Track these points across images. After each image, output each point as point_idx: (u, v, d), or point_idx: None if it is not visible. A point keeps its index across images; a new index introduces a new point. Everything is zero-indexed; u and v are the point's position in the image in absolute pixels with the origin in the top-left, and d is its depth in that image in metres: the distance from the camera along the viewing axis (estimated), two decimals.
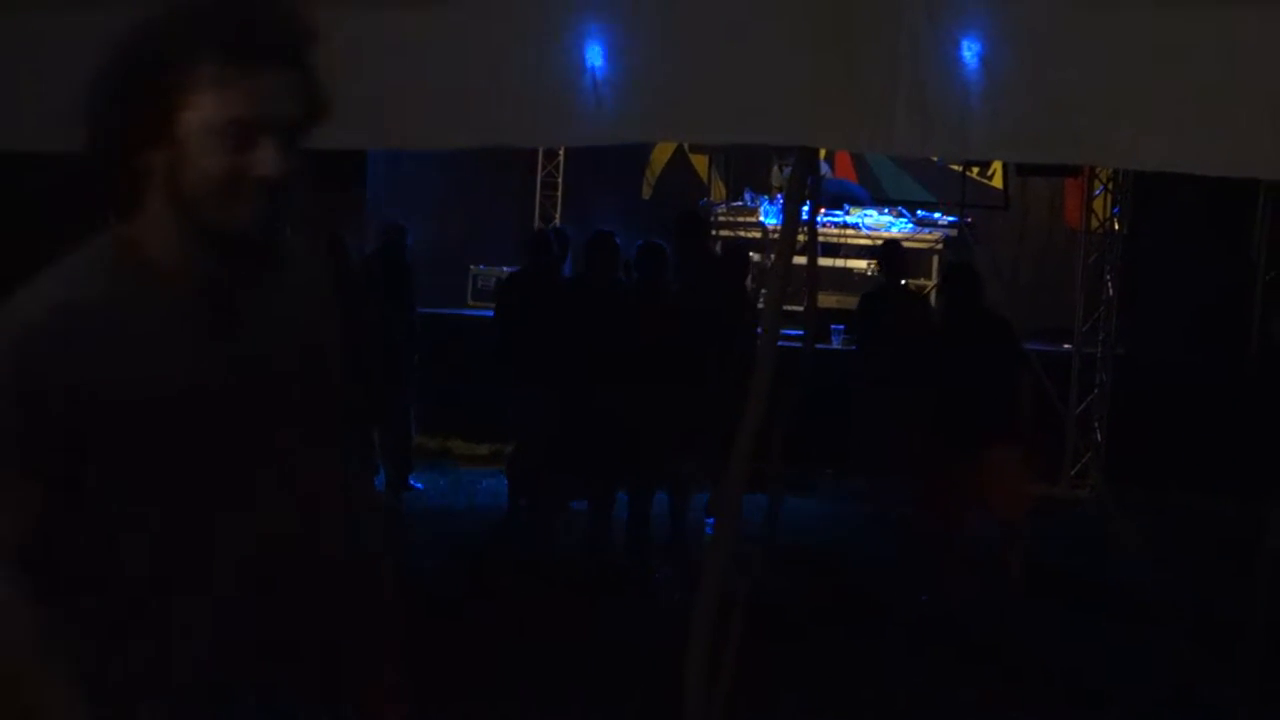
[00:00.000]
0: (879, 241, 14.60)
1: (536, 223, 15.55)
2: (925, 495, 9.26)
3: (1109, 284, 14.18)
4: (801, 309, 7.38)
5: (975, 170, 15.11)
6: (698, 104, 4.11)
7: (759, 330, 6.57)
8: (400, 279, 11.13)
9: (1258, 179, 13.33)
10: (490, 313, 13.49)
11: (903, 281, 11.58)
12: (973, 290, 9.07)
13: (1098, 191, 14.16)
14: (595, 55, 4.21)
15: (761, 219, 14.71)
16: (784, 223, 5.06)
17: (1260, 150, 3.58)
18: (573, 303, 9.62)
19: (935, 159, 15.30)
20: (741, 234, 14.83)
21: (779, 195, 14.48)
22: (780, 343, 5.26)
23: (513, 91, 4.21)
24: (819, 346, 12.30)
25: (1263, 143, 3.56)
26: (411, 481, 11.29)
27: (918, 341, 10.02)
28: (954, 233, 14.73)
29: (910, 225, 15.14)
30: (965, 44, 3.82)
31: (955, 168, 14.88)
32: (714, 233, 14.42)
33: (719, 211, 15.25)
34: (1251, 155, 3.60)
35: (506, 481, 10.48)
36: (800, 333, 7.34)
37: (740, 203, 15.34)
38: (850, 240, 15.00)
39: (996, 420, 8.79)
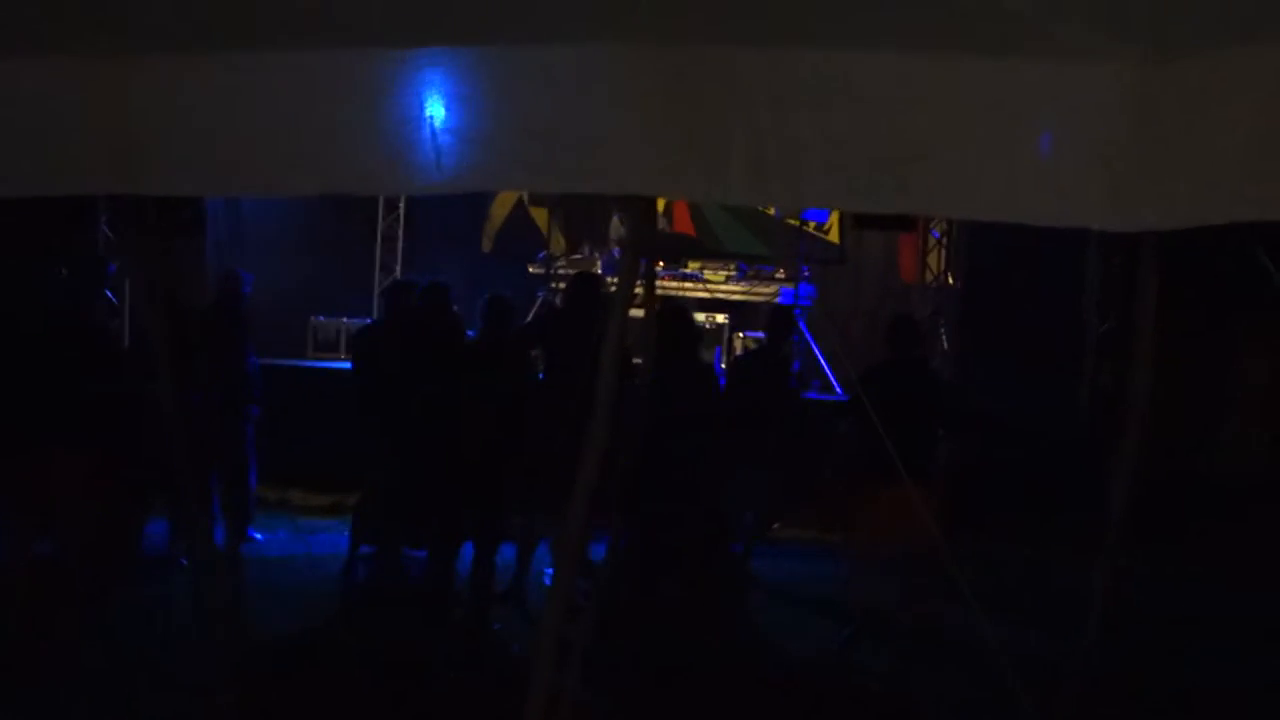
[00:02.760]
0: (715, 295, 14.84)
1: (378, 275, 15.55)
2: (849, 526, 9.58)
3: (943, 336, 14.51)
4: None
5: (812, 224, 15.36)
6: (535, 154, 4.18)
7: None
8: (237, 328, 11.06)
9: (1089, 230, 13.81)
10: (331, 363, 13.53)
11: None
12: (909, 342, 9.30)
13: (933, 242, 14.50)
14: (433, 104, 4.27)
15: (600, 271, 14.84)
16: (620, 273, 5.15)
17: (1089, 201, 3.72)
18: (415, 353, 9.65)
19: (773, 212, 15.59)
20: None
21: (616, 249, 14.64)
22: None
23: (350, 139, 4.26)
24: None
25: (1091, 193, 3.70)
26: (250, 532, 11.19)
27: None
28: (790, 285, 14.96)
29: (744, 278, 15.36)
30: (799, 97, 3.94)
31: (792, 222, 15.11)
32: (552, 285, 14.57)
33: (559, 264, 15.34)
34: (1080, 206, 3.73)
35: (349, 529, 10.43)
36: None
37: (579, 255, 15.46)
38: (689, 293, 15.17)
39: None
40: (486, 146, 4.23)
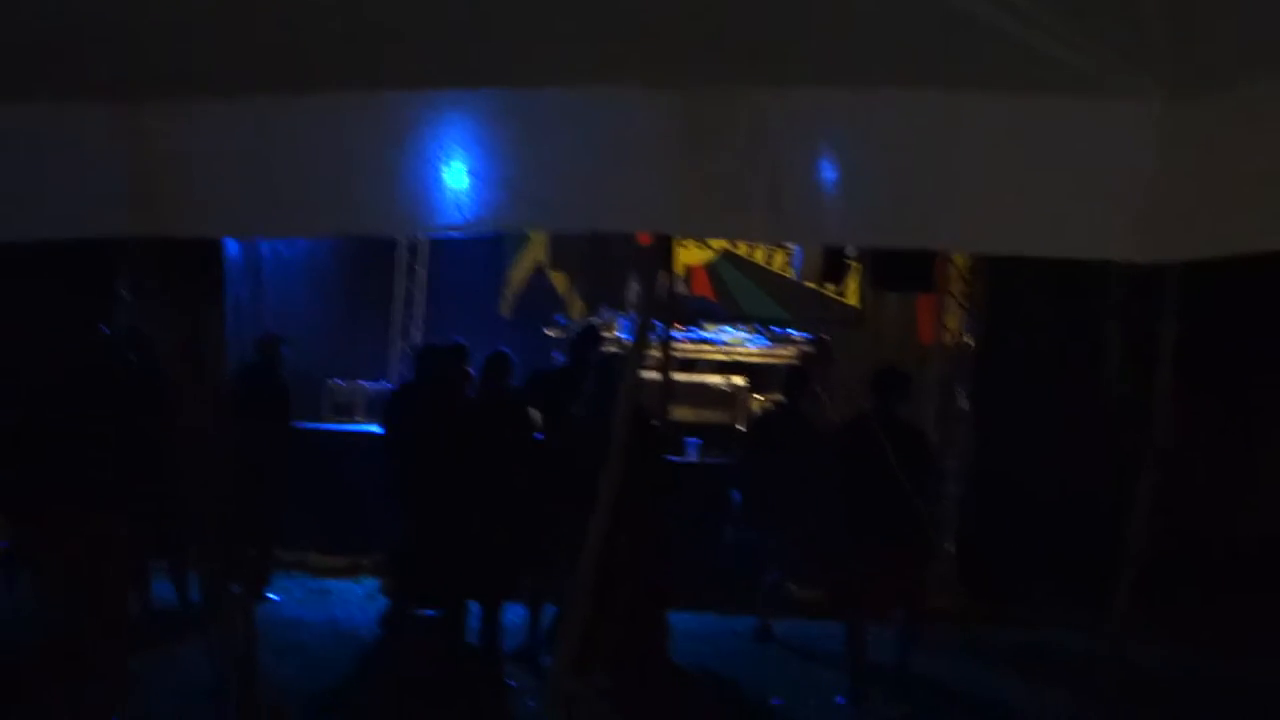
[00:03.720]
0: (734, 358, 14.84)
1: (397, 338, 15.57)
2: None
3: (960, 397, 14.47)
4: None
5: (831, 288, 15.36)
6: (555, 195, 4.19)
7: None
8: (275, 393, 11.21)
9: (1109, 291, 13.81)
10: (347, 426, 13.55)
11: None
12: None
13: (951, 303, 14.51)
14: (453, 146, 4.28)
15: (618, 334, 14.84)
16: (635, 332, 5.15)
17: (1111, 233, 3.70)
18: (429, 415, 9.69)
19: (792, 274, 15.62)
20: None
21: (634, 312, 14.66)
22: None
23: (370, 181, 4.27)
24: (675, 459, 12.50)
25: (1113, 226, 3.69)
26: (267, 594, 11.18)
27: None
28: (810, 349, 14.94)
29: (765, 341, 15.37)
30: (819, 135, 3.94)
31: (811, 285, 15.11)
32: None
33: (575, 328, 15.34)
34: (1102, 238, 3.72)
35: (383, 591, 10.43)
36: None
37: (597, 320, 15.47)
38: (706, 356, 15.18)
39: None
40: (506, 188, 4.23)
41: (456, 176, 4.30)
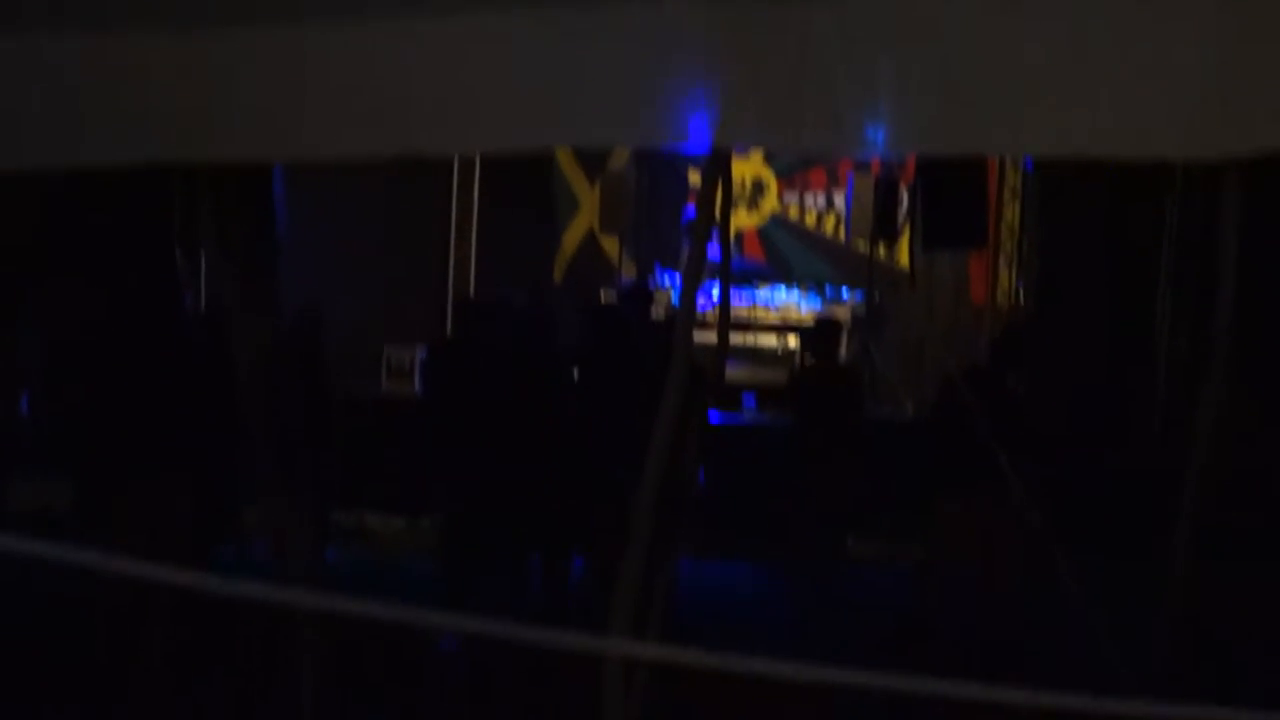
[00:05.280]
0: (788, 319, 14.85)
1: (450, 303, 15.61)
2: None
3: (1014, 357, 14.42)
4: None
5: (882, 250, 15.35)
6: (608, 110, 4.18)
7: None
8: (313, 361, 11.21)
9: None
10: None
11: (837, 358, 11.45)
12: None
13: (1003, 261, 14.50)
14: (495, 63, 4.25)
15: (672, 299, 14.87)
16: (692, 238, 5.16)
17: (1168, 132, 3.68)
18: (474, 374, 9.71)
19: (843, 238, 15.64)
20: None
21: None
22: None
23: (420, 103, 4.28)
24: (730, 420, 12.55)
25: (1170, 124, 3.67)
26: (329, 554, 11.24)
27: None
28: (861, 310, 14.97)
29: (818, 302, 15.38)
30: (871, 42, 3.93)
31: (861, 248, 15.10)
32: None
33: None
34: (1161, 137, 3.70)
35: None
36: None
37: (651, 283, 15.51)
38: (760, 319, 15.20)
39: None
40: (554, 105, 4.22)
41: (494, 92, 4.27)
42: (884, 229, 14.15)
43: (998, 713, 2.84)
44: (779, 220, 16.23)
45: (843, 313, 15.16)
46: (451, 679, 8.54)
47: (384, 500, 12.82)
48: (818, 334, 11.43)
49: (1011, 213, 14.75)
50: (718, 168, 4.52)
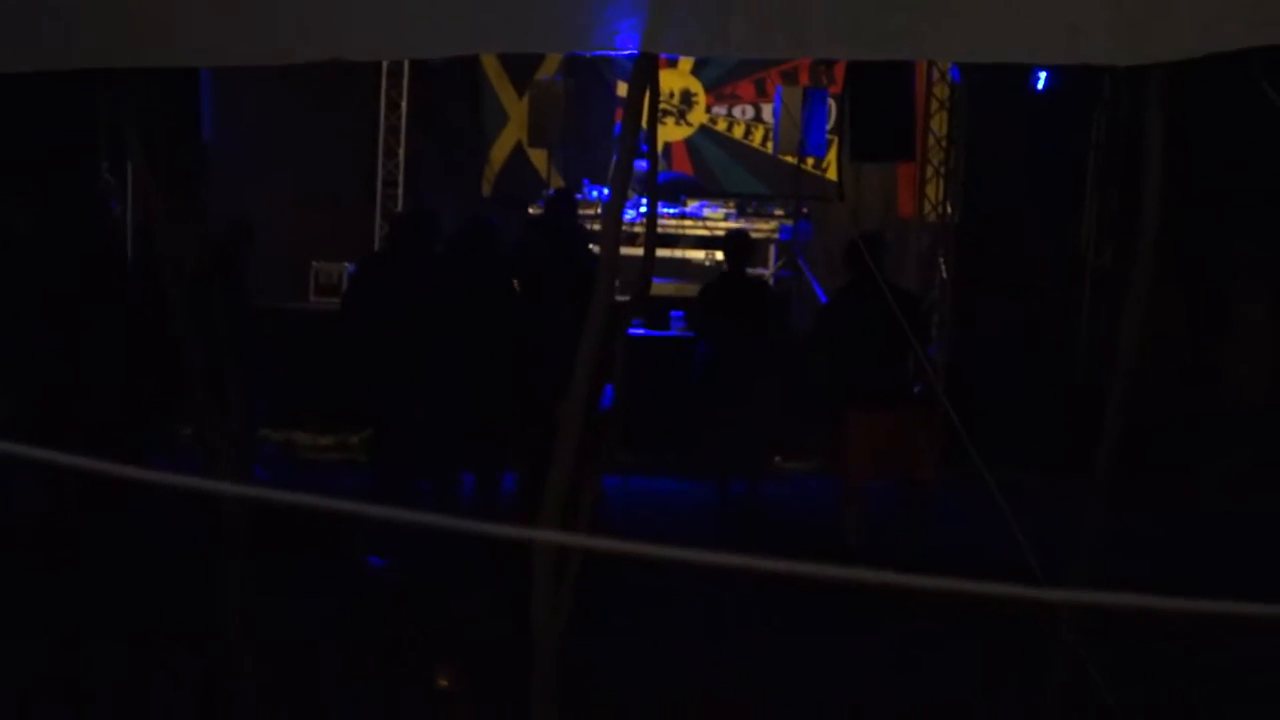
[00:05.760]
0: (716, 232, 14.81)
1: (378, 220, 15.51)
2: (834, 454, 10.02)
3: (942, 269, 14.55)
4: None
5: (810, 162, 15.35)
6: (537, 16, 4.16)
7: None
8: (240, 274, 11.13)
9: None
10: (332, 307, 13.53)
11: (746, 270, 11.38)
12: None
13: (930, 174, 14.59)
14: None
15: (600, 211, 14.82)
16: (620, 147, 5.13)
17: (1097, 37, 3.70)
18: (404, 284, 9.66)
19: (770, 150, 15.62)
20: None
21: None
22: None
23: (346, 2, 4.25)
24: (658, 333, 12.59)
25: (1099, 29, 3.68)
26: (256, 470, 11.20)
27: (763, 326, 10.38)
28: (789, 222, 14.96)
29: (743, 217, 15.36)
30: None
31: (789, 160, 15.08)
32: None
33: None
34: (1089, 42, 3.71)
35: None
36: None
37: (579, 195, 15.43)
38: (688, 231, 15.19)
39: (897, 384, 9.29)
40: (486, 12, 4.20)
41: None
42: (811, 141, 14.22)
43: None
44: (707, 131, 16.19)
45: (770, 225, 15.16)
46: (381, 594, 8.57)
47: (312, 416, 12.80)
48: (726, 246, 11.43)
49: (939, 123, 14.80)
50: (645, 75, 4.49)
